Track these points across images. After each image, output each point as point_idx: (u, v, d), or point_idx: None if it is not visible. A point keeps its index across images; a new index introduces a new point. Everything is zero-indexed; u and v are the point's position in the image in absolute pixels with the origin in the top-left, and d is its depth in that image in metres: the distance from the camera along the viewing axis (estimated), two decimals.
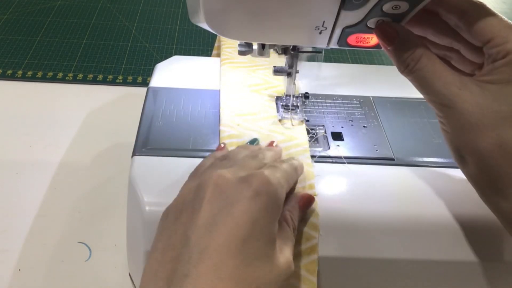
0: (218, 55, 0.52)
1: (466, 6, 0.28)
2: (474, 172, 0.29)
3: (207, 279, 0.23)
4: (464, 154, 0.29)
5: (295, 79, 0.40)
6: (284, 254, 0.27)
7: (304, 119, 0.41)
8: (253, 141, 0.38)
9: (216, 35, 0.57)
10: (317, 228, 0.32)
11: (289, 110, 0.42)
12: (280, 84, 0.45)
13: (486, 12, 0.28)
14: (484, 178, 0.29)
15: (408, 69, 0.29)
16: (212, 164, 0.31)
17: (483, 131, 0.27)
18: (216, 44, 0.56)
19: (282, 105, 0.42)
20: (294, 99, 0.42)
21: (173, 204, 0.29)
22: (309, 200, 0.32)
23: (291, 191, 0.32)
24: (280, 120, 0.41)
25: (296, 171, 0.33)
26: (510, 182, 0.27)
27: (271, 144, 0.37)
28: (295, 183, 0.33)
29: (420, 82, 0.29)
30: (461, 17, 0.29)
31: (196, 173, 0.31)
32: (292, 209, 0.31)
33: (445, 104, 0.28)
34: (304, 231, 0.32)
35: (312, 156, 0.38)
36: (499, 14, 0.29)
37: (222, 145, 0.36)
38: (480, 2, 0.29)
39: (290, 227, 0.29)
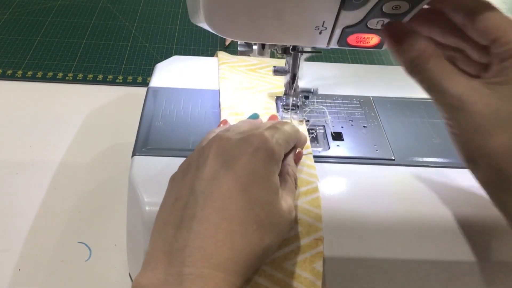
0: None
1: (473, 4, 0.28)
2: (485, 174, 0.29)
3: (212, 219, 0.25)
4: (475, 156, 0.29)
5: (297, 78, 0.40)
6: (287, 202, 0.30)
7: (304, 118, 0.41)
8: (254, 116, 0.39)
9: (216, 36, 0.57)
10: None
11: (289, 110, 0.42)
12: (280, 85, 0.45)
13: (492, 10, 0.28)
14: (495, 180, 0.28)
15: (417, 69, 0.29)
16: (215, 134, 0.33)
17: (495, 133, 0.26)
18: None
19: (282, 105, 0.42)
20: (294, 99, 0.42)
21: (180, 167, 0.31)
22: (299, 156, 0.35)
23: (292, 150, 0.35)
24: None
25: (297, 133, 0.34)
26: None
27: (273, 117, 0.39)
28: (295, 146, 0.35)
29: (428, 82, 0.28)
30: (467, 15, 0.28)
31: (200, 143, 0.33)
32: (290, 162, 0.34)
33: (454, 105, 0.28)
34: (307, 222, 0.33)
35: (312, 156, 0.38)
36: (504, 13, 0.28)
37: (225, 121, 0.39)
38: (487, 1, 0.28)
39: (292, 179, 0.32)
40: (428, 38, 0.30)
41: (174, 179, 0.31)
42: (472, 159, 0.29)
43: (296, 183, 0.33)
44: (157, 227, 0.28)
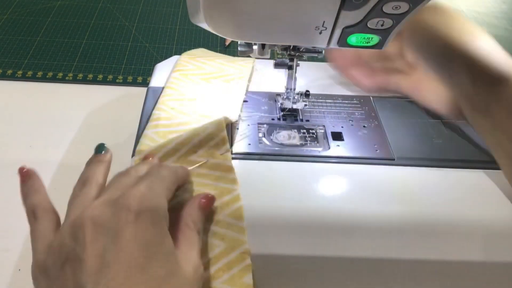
0: None
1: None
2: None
3: None
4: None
5: (295, 72, 0.40)
6: (191, 260, 0.26)
7: (305, 105, 0.42)
8: (100, 147, 0.35)
9: (216, 36, 0.57)
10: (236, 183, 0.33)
11: (290, 101, 0.42)
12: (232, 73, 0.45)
13: None
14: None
15: None
16: (78, 197, 0.29)
17: None
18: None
19: (283, 98, 0.42)
20: (296, 95, 0.42)
21: (48, 256, 0.25)
22: (209, 199, 0.31)
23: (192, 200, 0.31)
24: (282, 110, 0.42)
25: (176, 174, 0.31)
26: None
27: (147, 157, 0.35)
28: (180, 185, 0.32)
29: None
30: None
31: (64, 223, 0.28)
32: (192, 211, 0.30)
33: None
34: (224, 187, 0.33)
35: (312, 156, 0.38)
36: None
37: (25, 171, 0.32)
38: None
39: (193, 231, 0.28)
40: None
41: (45, 272, 0.25)
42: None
43: (199, 233, 0.29)
44: None
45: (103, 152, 0.33)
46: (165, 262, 0.24)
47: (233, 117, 0.40)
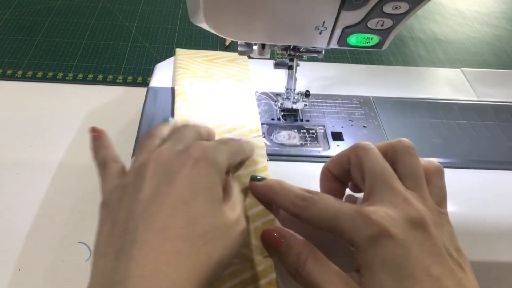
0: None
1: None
2: None
3: (153, 242, 0.23)
4: None
5: (295, 72, 0.40)
6: (235, 212, 0.28)
7: (306, 105, 0.42)
8: (166, 120, 0.38)
9: (216, 36, 0.57)
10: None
11: (290, 101, 0.42)
12: (235, 74, 0.46)
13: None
14: None
15: (297, 274, 0.27)
16: (144, 145, 0.32)
17: None
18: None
19: (283, 98, 0.42)
20: (296, 95, 0.42)
21: (113, 191, 0.28)
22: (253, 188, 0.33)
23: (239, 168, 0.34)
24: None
25: (243, 148, 0.33)
26: None
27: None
28: (241, 159, 0.34)
29: (309, 285, 0.27)
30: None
31: (134, 162, 0.30)
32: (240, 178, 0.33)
33: None
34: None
35: (312, 156, 0.38)
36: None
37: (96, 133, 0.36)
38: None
39: (237, 190, 0.31)
40: (303, 239, 0.29)
41: (108, 205, 0.28)
42: None
43: (245, 194, 0.32)
44: (95, 261, 0.25)
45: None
46: (209, 203, 0.26)
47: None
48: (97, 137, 0.34)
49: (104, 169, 0.31)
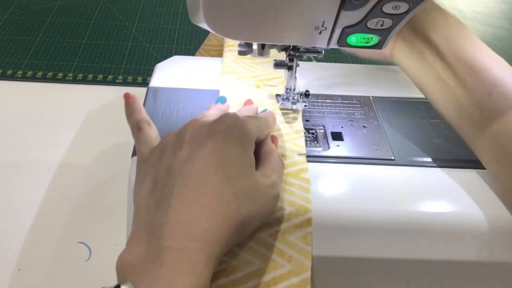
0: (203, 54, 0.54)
1: None
2: None
3: (190, 195, 0.27)
4: None
5: (295, 72, 0.40)
6: (269, 178, 0.31)
7: (305, 105, 0.42)
8: (221, 100, 0.40)
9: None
10: (310, 201, 0.33)
11: (290, 102, 0.42)
12: (280, 76, 0.46)
13: None
14: None
15: None
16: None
17: None
18: (208, 42, 0.57)
19: (283, 98, 0.42)
20: (295, 94, 0.42)
21: (154, 150, 0.32)
22: (274, 140, 0.36)
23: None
24: (280, 108, 0.42)
25: (268, 122, 0.36)
26: None
27: (248, 102, 0.41)
28: (268, 133, 0.36)
29: None
30: None
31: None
32: (274, 147, 0.35)
33: None
34: (298, 204, 0.33)
35: (312, 156, 0.38)
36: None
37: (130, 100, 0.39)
38: None
39: (275, 157, 0.33)
40: None
41: (148, 161, 0.31)
42: None
43: (281, 161, 0.34)
44: (138, 210, 0.29)
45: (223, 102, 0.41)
46: (239, 166, 0.29)
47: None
48: (130, 103, 0.36)
49: (138, 132, 0.34)
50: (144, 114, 0.36)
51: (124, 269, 0.26)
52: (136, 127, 0.35)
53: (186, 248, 0.25)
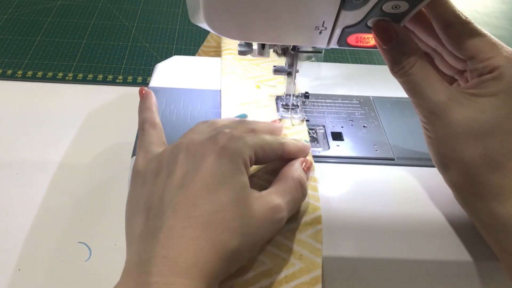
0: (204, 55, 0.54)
1: (452, 20, 0.29)
2: (455, 178, 0.30)
3: (177, 228, 0.26)
4: (447, 161, 0.30)
5: (295, 78, 0.40)
6: (267, 202, 0.28)
7: (304, 118, 0.41)
8: (242, 116, 0.39)
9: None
10: (318, 199, 0.33)
11: (289, 110, 0.42)
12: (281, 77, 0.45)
13: (470, 28, 0.29)
14: (465, 184, 0.30)
15: (401, 72, 0.30)
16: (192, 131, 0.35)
17: (469, 141, 0.28)
18: (207, 44, 0.57)
19: (282, 105, 0.42)
20: (294, 98, 0.42)
21: (151, 163, 0.31)
22: (307, 165, 0.34)
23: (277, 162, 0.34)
24: (280, 120, 0.41)
25: (281, 145, 0.33)
26: (489, 189, 0.28)
27: (274, 121, 0.39)
28: (275, 155, 0.33)
29: (411, 86, 0.30)
30: (445, 29, 0.30)
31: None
32: (297, 166, 0.33)
33: (433, 111, 0.29)
34: (307, 202, 0.33)
35: (312, 156, 0.38)
36: (483, 30, 0.29)
37: (144, 92, 0.38)
38: (465, 18, 0.29)
39: (288, 181, 0.31)
40: (416, 39, 0.31)
41: (143, 177, 0.30)
42: (444, 162, 0.30)
43: (303, 188, 0.32)
44: (130, 238, 0.28)
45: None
46: (231, 192, 0.27)
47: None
48: (142, 98, 0.36)
49: (141, 134, 0.34)
50: (151, 113, 0.35)
51: None
52: (140, 128, 0.34)
53: (173, 284, 0.24)
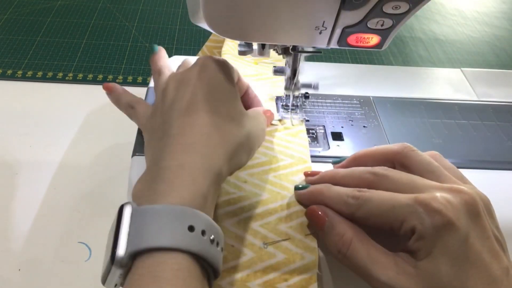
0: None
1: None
2: None
3: (188, 122, 0.29)
4: None
5: (295, 79, 0.40)
6: (254, 112, 0.34)
7: (304, 118, 0.41)
8: (155, 48, 0.40)
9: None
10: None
11: (289, 110, 0.42)
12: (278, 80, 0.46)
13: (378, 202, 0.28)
14: None
15: (341, 255, 0.28)
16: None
17: None
18: (208, 44, 0.57)
19: (282, 105, 0.42)
20: (294, 98, 0.42)
21: (148, 114, 0.35)
22: (270, 117, 0.39)
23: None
24: (280, 120, 0.41)
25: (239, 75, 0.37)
26: None
27: (268, 111, 0.41)
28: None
29: (356, 268, 0.27)
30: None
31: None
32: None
33: None
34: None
35: (312, 156, 0.38)
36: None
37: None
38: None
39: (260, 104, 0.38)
40: (348, 220, 0.29)
41: (145, 125, 0.34)
42: None
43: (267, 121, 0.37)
44: (147, 141, 0.33)
45: None
46: (228, 102, 0.31)
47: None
48: (111, 91, 0.38)
49: (132, 110, 0.37)
50: (130, 95, 0.38)
51: (136, 196, 0.28)
52: (129, 107, 0.37)
53: (185, 163, 0.26)
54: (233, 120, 0.30)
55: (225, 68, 0.33)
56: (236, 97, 0.32)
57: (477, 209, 0.26)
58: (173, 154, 0.27)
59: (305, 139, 0.39)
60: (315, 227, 0.31)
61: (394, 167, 0.31)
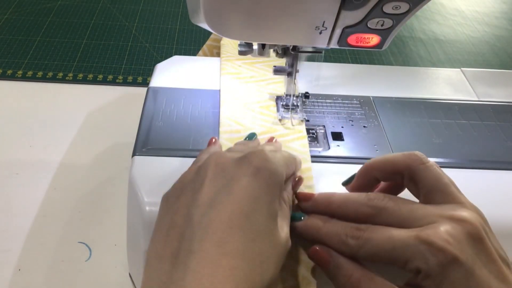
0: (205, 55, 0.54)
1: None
2: None
3: (211, 255, 0.23)
4: None
5: (295, 78, 0.40)
6: (284, 230, 0.27)
7: (305, 118, 0.41)
8: (251, 136, 0.37)
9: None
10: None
11: (289, 110, 0.42)
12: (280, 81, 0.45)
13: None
14: None
15: None
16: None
17: None
18: (209, 43, 0.57)
19: (282, 105, 0.42)
20: (294, 98, 0.42)
21: (174, 187, 0.28)
22: (299, 182, 0.33)
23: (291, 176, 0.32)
24: (280, 120, 0.41)
25: (295, 161, 0.32)
26: None
27: (270, 140, 0.38)
28: (293, 172, 0.32)
29: None
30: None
31: (194, 163, 0.31)
32: (287, 188, 0.31)
33: None
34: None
35: (312, 156, 0.38)
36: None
37: (214, 140, 0.35)
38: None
39: (287, 205, 0.29)
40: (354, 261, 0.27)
41: (167, 200, 0.28)
42: None
43: (290, 209, 0.30)
44: (150, 259, 0.25)
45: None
46: (267, 220, 0.25)
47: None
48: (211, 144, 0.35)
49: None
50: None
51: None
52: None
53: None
54: (269, 259, 0.25)
55: (281, 177, 0.27)
56: (277, 223, 0.26)
57: (480, 236, 0.26)
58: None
59: (305, 137, 0.39)
60: (320, 267, 0.29)
61: (403, 178, 0.30)
